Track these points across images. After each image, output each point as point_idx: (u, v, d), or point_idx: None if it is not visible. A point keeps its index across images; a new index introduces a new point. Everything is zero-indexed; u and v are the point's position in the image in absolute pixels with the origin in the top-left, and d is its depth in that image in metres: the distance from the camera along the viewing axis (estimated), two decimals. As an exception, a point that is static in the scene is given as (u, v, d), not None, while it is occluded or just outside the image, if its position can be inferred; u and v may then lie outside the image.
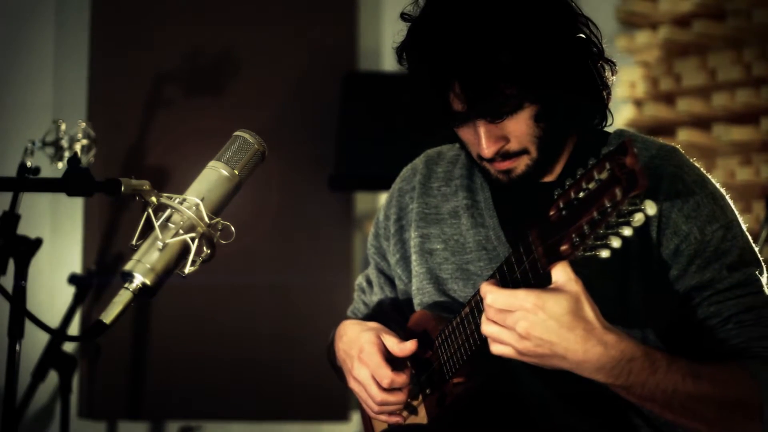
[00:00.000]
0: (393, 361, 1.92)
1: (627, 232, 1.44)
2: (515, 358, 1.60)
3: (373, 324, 2.00)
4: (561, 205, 1.52)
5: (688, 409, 1.66)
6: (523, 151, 1.81)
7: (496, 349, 1.62)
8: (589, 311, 1.55)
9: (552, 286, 1.56)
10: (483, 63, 1.71)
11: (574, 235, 1.49)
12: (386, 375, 1.89)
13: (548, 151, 1.84)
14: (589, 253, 1.49)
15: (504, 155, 1.81)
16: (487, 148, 1.79)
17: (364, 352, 1.93)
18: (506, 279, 1.66)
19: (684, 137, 3.84)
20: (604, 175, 1.45)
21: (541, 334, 1.55)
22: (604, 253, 1.47)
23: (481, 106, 1.76)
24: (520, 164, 1.82)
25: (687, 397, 1.64)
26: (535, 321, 1.54)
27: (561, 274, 1.56)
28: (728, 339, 1.77)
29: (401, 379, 1.89)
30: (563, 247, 1.51)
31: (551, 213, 1.54)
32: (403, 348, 1.90)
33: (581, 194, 1.49)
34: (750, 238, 1.87)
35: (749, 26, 3.75)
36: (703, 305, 1.79)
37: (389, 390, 1.90)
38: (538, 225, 1.57)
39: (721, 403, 1.68)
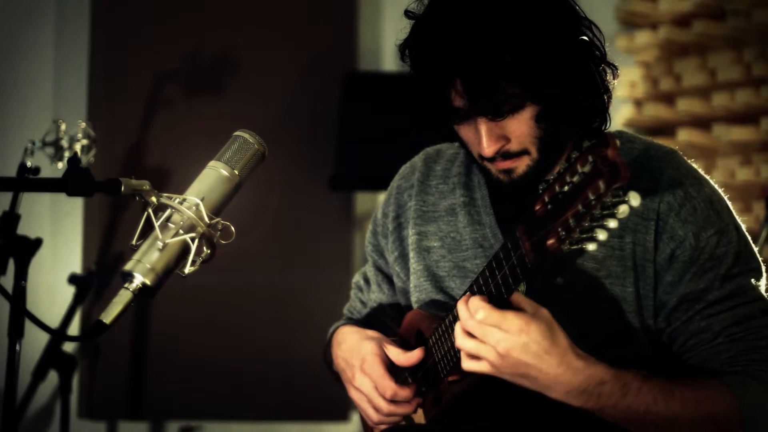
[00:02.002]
0: (393, 371, 1.93)
1: (612, 224, 1.45)
2: (487, 373, 1.67)
3: (372, 332, 2.01)
4: (546, 199, 1.53)
5: (662, 428, 1.70)
6: (524, 152, 1.81)
7: (469, 365, 1.68)
8: (562, 337, 1.64)
9: (524, 313, 1.63)
10: (485, 60, 1.71)
11: (560, 229, 1.49)
12: (389, 387, 1.90)
13: (548, 152, 1.83)
14: (575, 247, 1.50)
15: (504, 155, 1.81)
16: (487, 147, 1.79)
17: (366, 362, 1.94)
18: (489, 283, 1.69)
19: (684, 137, 3.85)
20: (587, 168, 1.46)
21: (519, 355, 1.61)
22: (591, 246, 1.49)
23: (482, 103, 1.75)
24: (521, 165, 1.82)
25: (660, 418, 1.69)
26: (517, 343, 1.61)
27: (527, 303, 1.64)
28: (717, 354, 1.80)
29: (405, 392, 1.90)
30: (550, 242, 1.51)
31: (537, 208, 1.55)
32: (410, 357, 1.91)
33: (566, 188, 1.49)
34: (749, 239, 1.87)
35: (749, 26, 3.76)
36: (694, 320, 1.81)
37: (394, 402, 1.91)
38: (525, 221, 1.58)
39: (695, 422, 1.72)
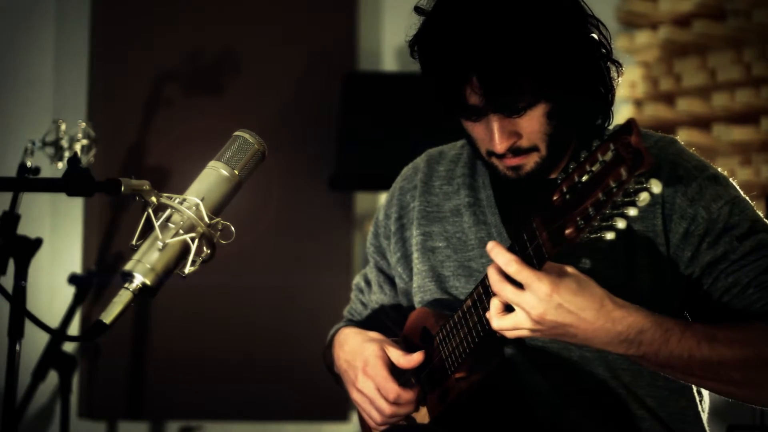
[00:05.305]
0: (396, 372, 1.93)
1: (632, 212, 1.44)
2: (526, 336, 1.66)
3: (374, 334, 2.02)
4: (564, 189, 1.52)
5: (710, 372, 1.69)
6: (533, 148, 1.82)
7: (503, 323, 1.65)
8: (595, 288, 1.62)
9: (550, 275, 1.59)
10: (502, 57, 1.72)
11: (578, 218, 1.49)
12: (392, 389, 1.91)
13: (557, 149, 1.84)
14: (594, 235, 1.49)
15: (515, 151, 1.81)
16: (499, 143, 1.79)
17: (369, 365, 1.94)
18: None
19: (684, 137, 3.84)
20: (608, 156, 1.45)
21: (554, 317, 1.60)
22: (609, 235, 1.48)
23: (498, 100, 1.76)
24: (530, 161, 1.83)
25: (705, 362, 1.68)
26: (549, 306, 1.59)
27: (549, 266, 1.60)
28: (751, 304, 1.79)
29: (408, 395, 1.91)
30: (568, 231, 1.51)
31: (555, 198, 1.54)
32: (410, 360, 1.92)
33: (585, 177, 1.48)
34: (759, 212, 1.88)
35: (749, 26, 3.75)
36: (720, 278, 1.81)
37: (397, 404, 1.91)
38: (541, 211, 1.57)
39: (745, 364, 1.70)
